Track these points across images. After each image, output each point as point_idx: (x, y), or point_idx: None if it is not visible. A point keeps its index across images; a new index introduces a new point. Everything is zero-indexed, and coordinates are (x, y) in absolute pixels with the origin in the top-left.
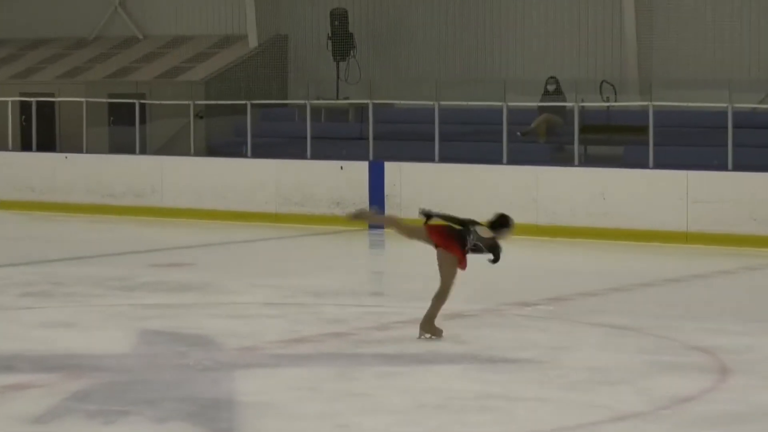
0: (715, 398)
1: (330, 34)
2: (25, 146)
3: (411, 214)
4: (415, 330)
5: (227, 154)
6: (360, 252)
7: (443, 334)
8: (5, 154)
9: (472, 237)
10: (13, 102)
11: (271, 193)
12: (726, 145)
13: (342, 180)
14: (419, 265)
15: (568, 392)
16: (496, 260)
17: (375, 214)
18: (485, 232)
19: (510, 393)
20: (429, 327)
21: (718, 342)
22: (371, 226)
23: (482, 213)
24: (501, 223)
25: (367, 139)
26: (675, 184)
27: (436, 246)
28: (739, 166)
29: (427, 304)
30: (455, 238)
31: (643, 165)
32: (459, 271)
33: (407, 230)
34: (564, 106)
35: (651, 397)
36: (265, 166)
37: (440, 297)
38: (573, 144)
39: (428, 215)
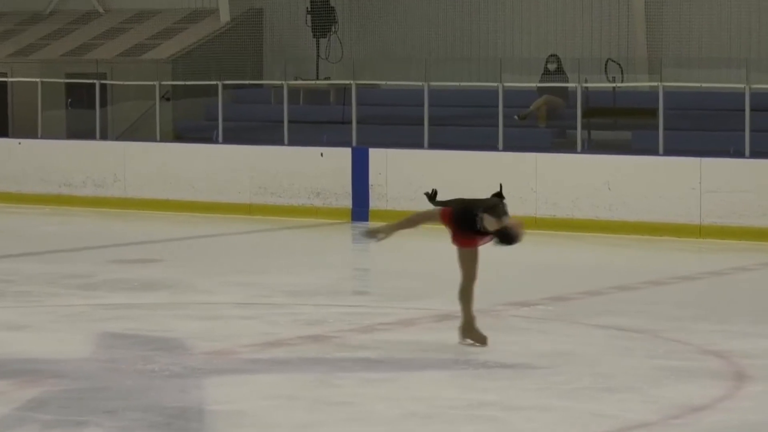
0: (730, 407)
1: (309, 8)
2: None
3: (397, 205)
4: (402, 333)
5: (196, 140)
6: (342, 247)
7: (488, 341)
8: None
9: (479, 222)
10: None
11: (245, 182)
12: (743, 130)
13: (322, 168)
14: (406, 262)
15: (570, 400)
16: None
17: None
18: (491, 225)
19: (506, 401)
20: (470, 333)
21: (734, 345)
22: (355, 219)
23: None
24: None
25: (350, 123)
26: (687, 173)
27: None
28: (756, 153)
29: (416, 304)
30: (467, 225)
31: (653, 151)
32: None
33: (420, 218)
34: (566, 87)
35: (661, 405)
36: (238, 152)
37: (462, 295)
38: (576, 128)
39: (433, 198)
